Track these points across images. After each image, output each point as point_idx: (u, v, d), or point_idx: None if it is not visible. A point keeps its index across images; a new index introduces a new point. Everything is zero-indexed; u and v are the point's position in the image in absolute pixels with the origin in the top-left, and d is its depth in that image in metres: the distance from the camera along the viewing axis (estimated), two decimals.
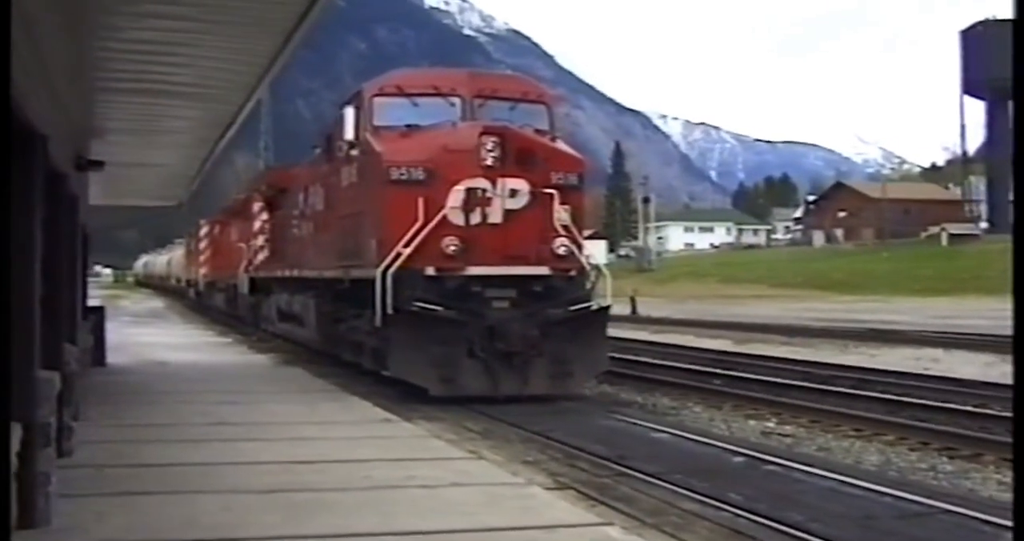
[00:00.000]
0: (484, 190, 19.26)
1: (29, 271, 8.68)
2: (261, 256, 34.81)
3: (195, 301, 61.80)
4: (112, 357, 24.59)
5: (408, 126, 20.35)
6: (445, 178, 19.30)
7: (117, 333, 30.10)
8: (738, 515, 10.54)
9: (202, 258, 56.12)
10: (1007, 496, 11.81)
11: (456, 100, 20.54)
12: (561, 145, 21.03)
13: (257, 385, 20.54)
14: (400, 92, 20.83)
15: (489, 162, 19.22)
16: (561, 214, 19.71)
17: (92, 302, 28.18)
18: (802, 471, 12.95)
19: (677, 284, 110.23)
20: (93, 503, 9.56)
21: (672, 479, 12.26)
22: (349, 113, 21.03)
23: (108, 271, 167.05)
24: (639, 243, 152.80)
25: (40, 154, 9.02)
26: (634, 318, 54.43)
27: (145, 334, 37.05)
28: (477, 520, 9.00)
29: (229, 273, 43.47)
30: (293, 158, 41.68)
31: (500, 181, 19.28)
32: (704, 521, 10.38)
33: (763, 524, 10.14)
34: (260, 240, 35.07)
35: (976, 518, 10.34)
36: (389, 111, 20.67)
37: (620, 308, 44.56)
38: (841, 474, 12.72)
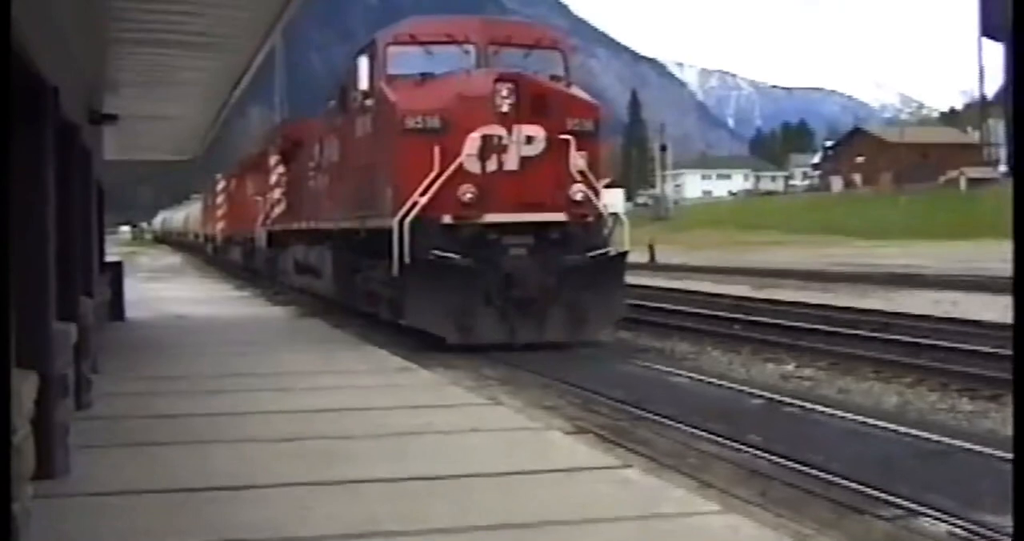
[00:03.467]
0: (500, 137, 19.16)
1: (42, 222, 8.65)
2: (278, 210, 34.76)
3: (212, 256, 61.81)
4: (130, 312, 24.64)
5: (422, 75, 20.25)
6: (460, 126, 19.22)
7: (135, 289, 30.16)
8: (757, 456, 10.58)
9: (219, 213, 56.07)
10: None
11: (470, 48, 20.44)
12: (576, 91, 20.95)
13: (274, 337, 20.59)
14: (414, 41, 20.74)
15: (504, 109, 19.11)
16: (577, 160, 19.64)
17: (110, 258, 28.19)
18: (821, 413, 13.00)
19: (695, 232, 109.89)
20: (111, 454, 9.63)
21: (690, 421, 12.29)
22: (363, 63, 20.99)
23: (126, 228, 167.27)
24: (656, 191, 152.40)
25: (50, 105, 8.96)
26: (652, 266, 54.40)
27: (163, 289, 37.12)
28: (496, 464, 9.02)
29: (246, 227, 43.37)
30: (308, 111, 41.59)
31: (516, 128, 19.18)
32: (722, 462, 10.42)
33: (781, 465, 10.15)
34: (276, 193, 35.01)
35: (995, 456, 10.32)
36: (403, 60, 20.59)
37: (638, 256, 44.55)
38: (860, 415, 12.73)
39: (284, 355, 17.43)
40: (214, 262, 60.13)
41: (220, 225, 55.66)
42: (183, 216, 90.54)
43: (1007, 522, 7.99)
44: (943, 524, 8.23)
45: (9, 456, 4.69)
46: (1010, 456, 9.95)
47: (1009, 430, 12.63)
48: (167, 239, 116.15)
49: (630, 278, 22.55)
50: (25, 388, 5.33)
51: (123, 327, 22.36)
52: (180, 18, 12.61)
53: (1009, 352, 17.24)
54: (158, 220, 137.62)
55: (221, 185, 55.66)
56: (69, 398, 9.07)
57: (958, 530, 8.09)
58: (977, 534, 7.97)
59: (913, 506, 8.61)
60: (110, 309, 21.31)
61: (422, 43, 20.64)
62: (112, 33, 13.09)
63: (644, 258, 55.30)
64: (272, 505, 7.81)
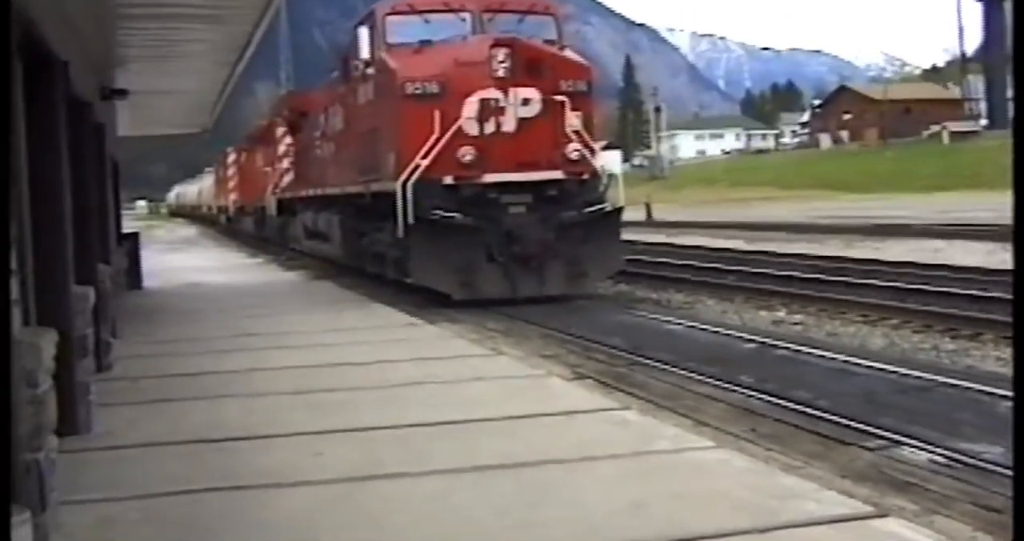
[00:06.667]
0: (497, 100, 19.62)
1: (58, 192, 9.00)
2: (287, 178, 35.24)
3: (226, 227, 62.16)
4: (147, 281, 24.97)
5: (421, 42, 20.67)
6: (458, 91, 19.67)
7: (152, 260, 30.50)
8: (749, 395, 11.03)
9: (231, 184, 56.37)
10: (1005, 370, 12.20)
11: (466, 15, 20.84)
12: (569, 53, 21.35)
13: (285, 300, 21.02)
14: (412, 10, 21.13)
15: (500, 73, 19.57)
16: (572, 120, 20.03)
17: (127, 230, 28.50)
18: (810, 354, 13.44)
19: (690, 190, 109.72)
20: (128, 411, 10.01)
21: (686, 366, 12.74)
22: (363, 33, 21.36)
23: (143, 203, 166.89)
24: (652, 152, 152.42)
25: (61, 80, 9.26)
26: (649, 223, 54.60)
27: (179, 259, 37.30)
28: (497, 409, 9.35)
29: (257, 197, 43.97)
30: (312, 86, 41.97)
31: (512, 91, 19.63)
32: (717, 402, 10.87)
33: (772, 402, 10.61)
34: (285, 163, 35.50)
35: (974, 389, 10.78)
36: (401, 29, 21.01)
37: (635, 214, 44.84)
38: (847, 355, 13.18)
39: (294, 316, 17.79)
40: (228, 233, 60.37)
41: (232, 196, 56.02)
42: (196, 189, 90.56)
43: (984, 449, 8.43)
44: (924, 453, 8.60)
45: (10, 427, 5.01)
46: (988, 389, 10.45)
47: (988, 367, 13.13)
48: (182, 212, 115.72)
49: (628, 235, 22.94)
50: (44, 344, 5.63)
51: (140, 295, 22.72)
52: None
53: (990, 294, 17.73)
54: (172, 195, 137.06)
55: (232, 158, 56.00)
56: (89, 358, 9.44)
57: (938, 458, 8.44)
58: (956, 461, 8.33)
59: (896, 437, 9.02)
60: (128, 278, 21.66)
61: (419, 12, 21.03)
62: (119, 8, 13.36)
63: (641, 216, 55.52)
64: (283, 452, 8.18)
